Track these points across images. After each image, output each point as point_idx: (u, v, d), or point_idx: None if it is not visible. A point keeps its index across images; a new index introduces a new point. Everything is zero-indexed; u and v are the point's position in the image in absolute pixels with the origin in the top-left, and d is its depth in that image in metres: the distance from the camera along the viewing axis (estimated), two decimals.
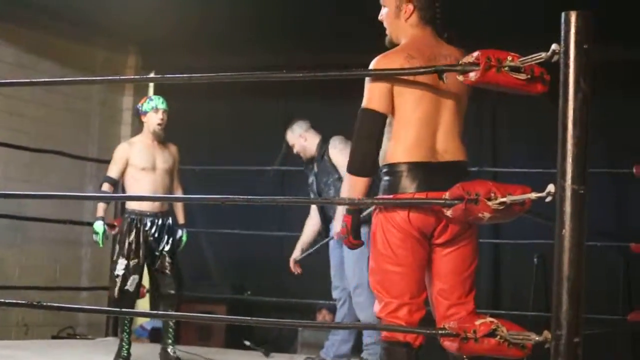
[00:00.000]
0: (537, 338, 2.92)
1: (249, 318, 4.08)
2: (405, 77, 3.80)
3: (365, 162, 3.87)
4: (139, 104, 6.73)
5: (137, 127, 7.03)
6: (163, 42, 9.22)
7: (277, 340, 8.56)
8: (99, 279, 9.00)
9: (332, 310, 8.35)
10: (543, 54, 2.96)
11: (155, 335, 8.56)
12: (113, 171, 6.58)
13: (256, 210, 8.78)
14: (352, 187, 3.91)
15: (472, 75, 3.20)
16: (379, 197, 3.94)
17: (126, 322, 6.64)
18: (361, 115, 3.87)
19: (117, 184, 6.64)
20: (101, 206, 6.59)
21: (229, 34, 8.62)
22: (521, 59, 3.13)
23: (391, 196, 3.84)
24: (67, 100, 9.03)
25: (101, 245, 6.61)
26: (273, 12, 8.09)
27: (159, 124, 6.60)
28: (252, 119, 9.50)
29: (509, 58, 3.14)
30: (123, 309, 6.47)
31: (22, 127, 8.55)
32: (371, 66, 3.88)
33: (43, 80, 7.21)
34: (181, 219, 6.82)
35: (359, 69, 3.99)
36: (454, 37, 4.00)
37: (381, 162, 3.92)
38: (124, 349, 6.59)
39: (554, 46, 2.88)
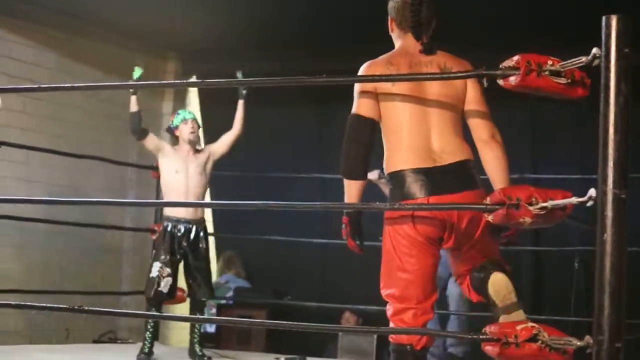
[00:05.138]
0: (578, 343, 2.90)
1: (289, 322, 4.08)
2: (386, 85, 3.91)
3: (356, 165, 3.98)
4: (170, 122, 6.94)
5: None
6: (203, 48, 9.25)
7: (318, 345, 8.55)
8: (139, 284, 9.02)
9: (356, 312, 8.50)
10: (584, 58, 2.95)
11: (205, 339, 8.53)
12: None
13: (298, 216, 8.78)
14: (346, 190, 4.02)
15: (513, 80, 3.18)
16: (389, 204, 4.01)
17: (150, 321, 6.88)
18: (349, 120, 4.00)
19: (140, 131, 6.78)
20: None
21: (270, 39, 8.62)
22: (561, 63, 3.12)
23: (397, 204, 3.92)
24: (107, 105, 9.07)
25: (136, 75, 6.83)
26: (317, 15, 8.05)
27: (191, 133, 6.82)
28: (291, 124, 9.50)
29: (549, 62, 3.13)
30: (164, 314, 6.66)
31: (63, 132, 8.61)
32: (358, 73, 4.03)
33: (84, 85, 7.26)
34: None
35: (398, 74, 4.00)
36: (430, 44, 4.04)
37: (385, 172, 4.01)
38: (145, 345, 6.83)
39: (594, 50, 2.86)
